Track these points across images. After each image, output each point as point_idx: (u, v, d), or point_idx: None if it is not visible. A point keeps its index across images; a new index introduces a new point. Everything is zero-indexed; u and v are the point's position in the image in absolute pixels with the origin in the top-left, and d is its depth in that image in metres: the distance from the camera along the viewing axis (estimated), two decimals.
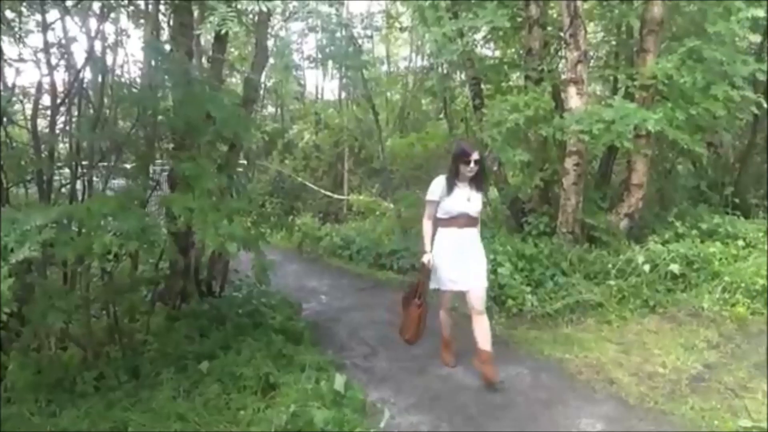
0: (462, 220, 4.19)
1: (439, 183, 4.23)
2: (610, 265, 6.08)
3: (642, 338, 5.04)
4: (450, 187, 4.17)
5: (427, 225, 4.31)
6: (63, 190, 4.54)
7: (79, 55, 4.58)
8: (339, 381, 3.78)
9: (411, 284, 4.62)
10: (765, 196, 8.36)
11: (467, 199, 4.18)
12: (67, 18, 4.50)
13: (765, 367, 4.32)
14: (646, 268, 5.87)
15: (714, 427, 3.50)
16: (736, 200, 8.10)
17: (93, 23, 4.66)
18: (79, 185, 4.48)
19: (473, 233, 4.28)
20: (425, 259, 4.26)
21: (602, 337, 5.14)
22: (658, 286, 5.84)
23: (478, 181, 4.23)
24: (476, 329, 4.24)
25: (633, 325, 5.38)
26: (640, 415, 3.71)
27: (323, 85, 18.65)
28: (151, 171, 4.94)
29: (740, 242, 6.59)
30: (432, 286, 4.34)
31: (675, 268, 5.90)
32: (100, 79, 4.59)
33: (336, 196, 13.33)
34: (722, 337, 4.97)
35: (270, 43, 9.87)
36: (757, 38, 6.16)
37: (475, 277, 4.23)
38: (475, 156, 4.08)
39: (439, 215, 4.24)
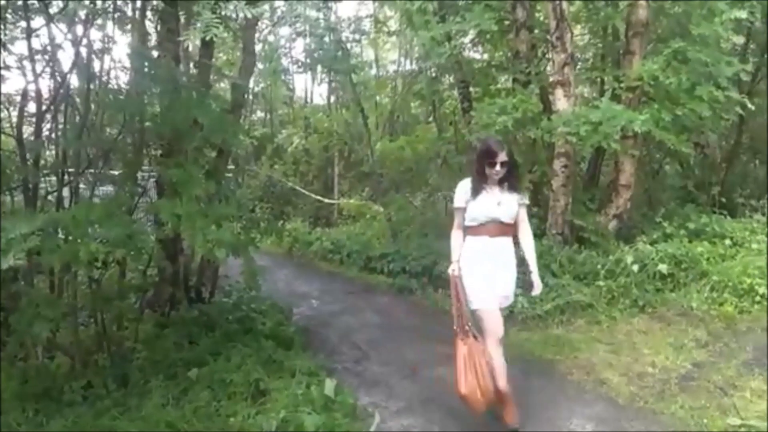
0: (492, 228, 3.55)
1: (463, 187, 3.64)
2: (599, 266, 6.11)
3: (632, 338, 5.07)
4: (476, 190, 3.57)
5: (455, 235, 3.73)
6: (50, 197, 4.51)
7: (65, 62, 4.57)
8: (329, 386, 3.76)
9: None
10: (751, 196, 8.44)
11: (497, 203, 3.55)
12: (53, 24, 4.48)
13: (753, 365, 4.35)
14: (635, 268, 5.91)
15: (703, 426, 3.52)
16: (723, 200, 8.18)
17: (79, 30, 4.65)
18: (66, 192, 4.44)
19: (506, 243, 3.61)
20: (450, 269, 3.64)
21: (592, 337, 5.16)
22: (647, 286, 5.88)
23: (510, 182, 3.60)
24: (494, 358, 3.49)
25: (623, 325, 5.40)
26: (631, 415, 3.72)
27: (312, 89, 18.61)
28: (138, 177, 4.92)
29: (727, 241, 6.65)
30: (473, 306, 3.54)
31: (663, 268, 5.95)
32: (86, 85, 4.56)
33: (326, 200, 13.32)
34: (711, 336, 5.01)
35: (258, 47, 9.88)
36: (740, 39, 6.22)
37: (501, 297, 3.57)
38: (502, 157, 3.47)
39: (467, 222, 3.63)
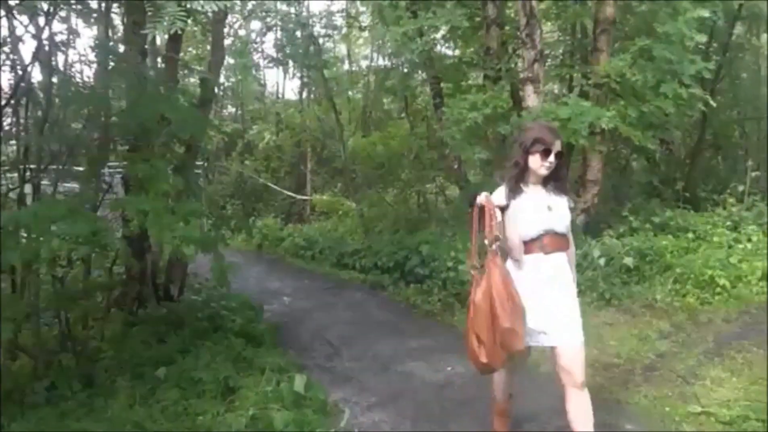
0: (547, 241, 2.78)
1: (500, 195, 2.82)
2: None
3: (599, 330, 5.16)
4: (514, 191, 2.80)
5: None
6: (11, 194, 4.39)
7: (27, 55, 4.44)
8: (299, 382, 3.75)
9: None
10: (713, 190, 8.68)
11: (547, 208, 2.79)
12: (13, 16, 4.35)
13: (713, 354, 4.48)
14: (602, 261, 6.02)
15: (665, 414, 3.61)
16: (687, 194, 8.39)
17: (41, 21, 4.52)
18: (28, 189, 4.33)
19: (563, 260, 2.85)
20: (481, 199, 2.73)
21: None
22: (613, 279, 6.00)
23: (558, 181, 2.86)
24: (572, 408, 2.87)
25: (590, 317, 5.48)
26: (596, 405, 3.75)
27: (284, 84, 18.49)
28: (104, 174, 4.82)
29: (690, 235, 6.83)
30: (533, 343, 2.88)
31: (629, 261, 6.08)
32: (48, 79, 4.45)
33: (298, 196, 13.25)
34: (673, 327, 5.14)
35: (228, 42, 9.76)
36: (703, 38, 6.38)
37: (566, 327, 2.82)
38: (558, 146, 2.75)
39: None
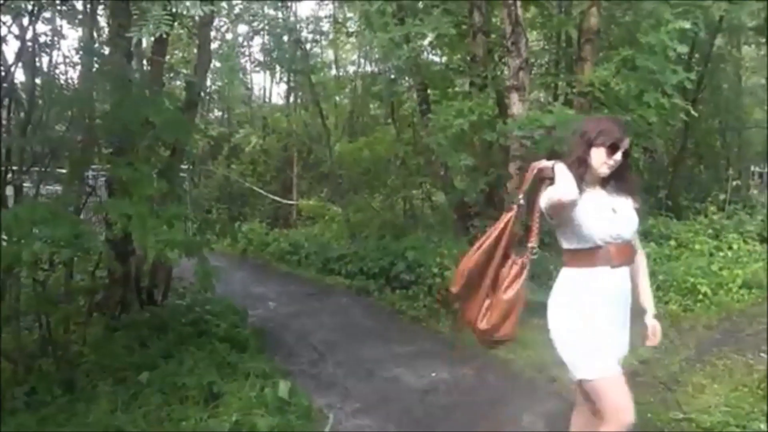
0: (613, 252, 2.32)
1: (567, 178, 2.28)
2: (552, 266, 6.24)
3: None
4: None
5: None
6: None
7: (10, 56, 4.39)
8: (283, 388, 3.73)
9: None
10: (695, 199, 8.81)
11: (612, 210, 2.35)
12: None
13: (694, 361, 4.54)
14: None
15: (647, 420, 3.64)
16: (669, 203, 8.51)
17: (24, 22, 4.47)
18: (9, 191, 4.27)
19: (626, 275, 2.39)
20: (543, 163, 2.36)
21: (546, 336, 5.25)
22: None
23: (622, 181, 2.40)
24: None
25: None
26: None
27: (271, 88, 18.44)
28: (88, 176, 4.77)
29: (672, 242, 6.92)
30: (584, 375, 2.34)
31: None
32: (31, 80, 4.40)
33: (284, 201, 13.21)
34: None
35: (215, 45, 9.73)
36: (685, 49, 6.48)
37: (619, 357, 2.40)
38: (626, 143, 2.33)
39: (568, 246, 2.41)
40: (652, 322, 2.49)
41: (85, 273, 4.81)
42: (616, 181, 2.39)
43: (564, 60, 9.15)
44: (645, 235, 7.07)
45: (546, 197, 2.30)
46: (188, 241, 3.98)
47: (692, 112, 6.59)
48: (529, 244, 2.41)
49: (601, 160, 2.32)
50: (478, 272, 2.45)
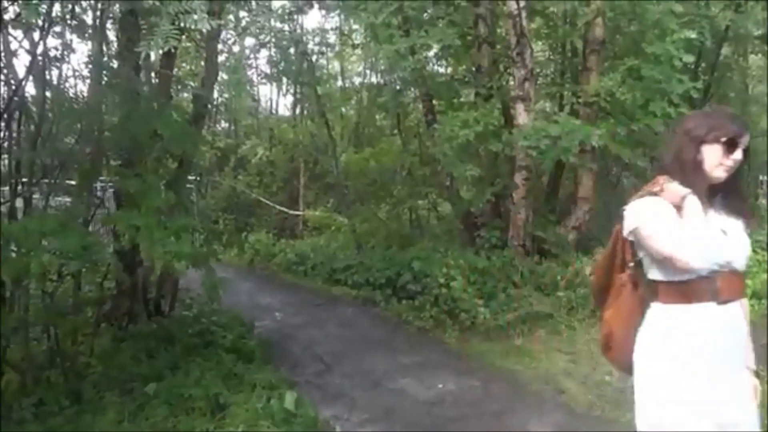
0: (721, 284, 1.78)
1: (653, 209, 1.81)
2: (558, 277, 6.24)
3: (590, 348, 5.17)
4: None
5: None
6: (2, 208, 4.37)
7: (21, 69, 4.45)
8: (290, 399, 3.73)
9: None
10: None
11: (722, 232, 1.82)
12: (8, 31, 4.36)
13: None
14: (593, 278, 6.03)
15: None
16: None
17: (35, 36, 4.54)
18: (19, 203, 4.32)
19: (740, 313, 1.83)
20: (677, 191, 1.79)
21: (552, 347, 5.26)
22: None
23: (735, 195, 1.88)
24: None
25: (582, 334, 5.52)
26: (588, 424, 3.80)
27: (278, 100, 18.58)
28: (96, 188, 4.81)
29: None
30: (643, 425, 1.86)
31: None
32: (42, 93, 4.46)
33: (291, 211, 13.25)
34: None
35: (222, 58, 9.82)
36: (691, 58, 6.49)
37: (747, 417, 1.81)
38: (746, 138, 1.82)
39: (662, 277, 1.82)
40: (752, 380, 1.87)
41: (93, 284, 4.84)
42: (726, 194, 1.87)
43: (569, 70, 9.16)
44: None
45: (655, 234, 1.79)
46: (195, 252, 4.00)
47: None
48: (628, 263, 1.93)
49: (716, 161, 1.79)
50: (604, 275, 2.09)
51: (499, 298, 6.06)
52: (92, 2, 5.12)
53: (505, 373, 4.72)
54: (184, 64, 12.75)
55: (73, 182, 4.69)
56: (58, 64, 4.85)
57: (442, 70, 10.19)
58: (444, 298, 6.28)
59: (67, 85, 5.16)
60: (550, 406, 4.08)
